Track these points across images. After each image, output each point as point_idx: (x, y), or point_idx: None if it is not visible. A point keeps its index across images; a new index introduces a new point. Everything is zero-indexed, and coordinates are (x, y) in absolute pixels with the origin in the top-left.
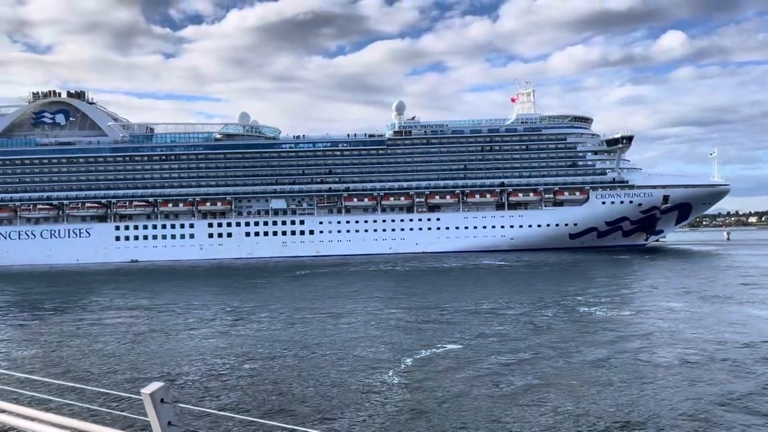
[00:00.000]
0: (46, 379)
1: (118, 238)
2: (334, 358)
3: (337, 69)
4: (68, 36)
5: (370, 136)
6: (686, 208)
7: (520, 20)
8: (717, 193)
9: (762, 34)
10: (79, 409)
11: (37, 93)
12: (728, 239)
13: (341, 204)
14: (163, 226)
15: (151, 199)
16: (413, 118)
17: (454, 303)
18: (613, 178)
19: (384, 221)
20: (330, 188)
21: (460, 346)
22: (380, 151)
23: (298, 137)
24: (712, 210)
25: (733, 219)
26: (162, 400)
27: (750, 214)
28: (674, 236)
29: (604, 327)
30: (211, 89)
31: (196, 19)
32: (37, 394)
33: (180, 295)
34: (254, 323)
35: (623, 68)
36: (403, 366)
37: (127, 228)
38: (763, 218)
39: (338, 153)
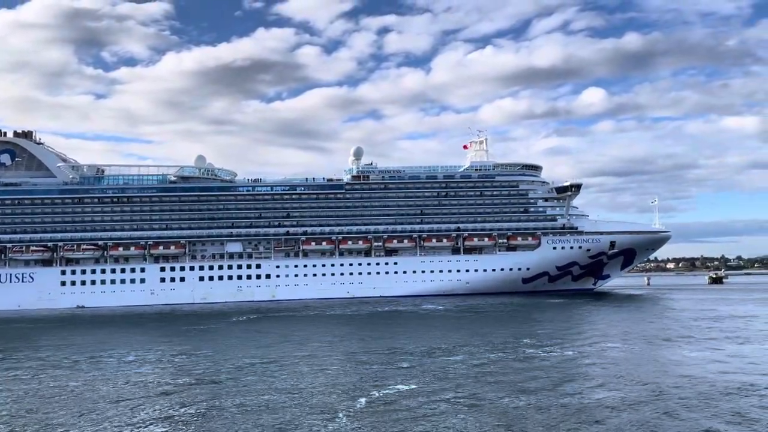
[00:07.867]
0: None
1: (63, 283)
2: (278, 405)
3: (275, 114)
4: None
5: (328, 180)
6: (631, 254)
7: (452, 73)
8: (659, 240)
9: (674, 93)
10: None
11: None
12: (648, 284)
13: (299, 248)
14: (113, 271)
15: (100, 243)
16: (371, 163)
17: (406, 346)
18: (563, 224)
19: (342, 265)
20: (287, 232)
21: (413, 387)
22: (338, 195)
23: (256, 180)
24: None
25: (652, 265)
26: None
27: (668, 261)
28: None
29: (553, 369)
30: (143, 131)
31: (131, 61)
32: None
33: (117, 345)
34: (193, 372)
35: (549, 120)
36: (355, 408)
37: (73, 272)
38: (680, 264)
39: (296, 196)
